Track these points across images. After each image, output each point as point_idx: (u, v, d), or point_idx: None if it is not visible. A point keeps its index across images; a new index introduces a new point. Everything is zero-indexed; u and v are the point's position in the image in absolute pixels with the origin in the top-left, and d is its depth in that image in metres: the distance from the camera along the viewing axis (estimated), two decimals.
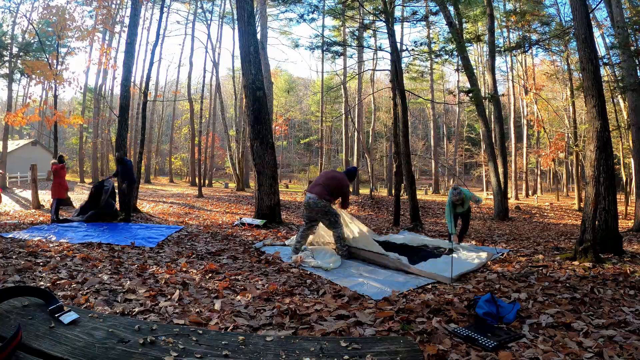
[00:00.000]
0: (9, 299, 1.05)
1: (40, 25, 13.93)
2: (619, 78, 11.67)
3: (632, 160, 12.59)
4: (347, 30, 22.65)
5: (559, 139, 22.29)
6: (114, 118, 17.13)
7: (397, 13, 18.19)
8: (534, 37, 16.49)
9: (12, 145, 29.14)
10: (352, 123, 27.70)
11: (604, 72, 14.49)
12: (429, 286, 3.80)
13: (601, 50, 15.57)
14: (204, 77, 26.96)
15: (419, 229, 8.92)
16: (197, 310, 2.82)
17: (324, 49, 13.70)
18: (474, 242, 6.61)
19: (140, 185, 15.27)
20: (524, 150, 27.97)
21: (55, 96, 12.47)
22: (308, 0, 14.74)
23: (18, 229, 6.33)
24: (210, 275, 3.93)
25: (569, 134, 21.41)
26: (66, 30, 12.25)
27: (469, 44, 15.75)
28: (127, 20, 13.33)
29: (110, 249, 4.94)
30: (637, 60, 10.08)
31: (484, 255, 4.90)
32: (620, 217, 12.43)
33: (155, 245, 5.38)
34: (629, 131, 11.71)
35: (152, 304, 2.88)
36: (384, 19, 11.40)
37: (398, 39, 18.23)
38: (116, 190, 8.31)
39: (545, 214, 17.09)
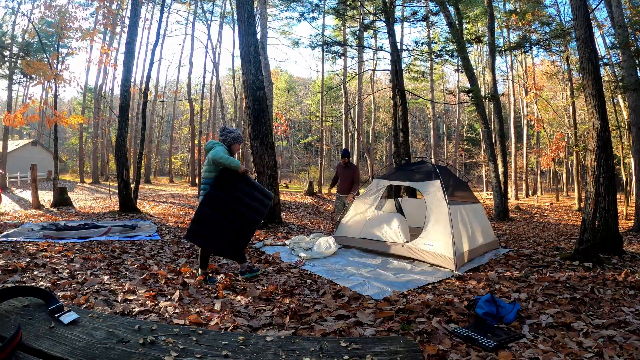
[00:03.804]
0: (9, 299, 1.05)
1: (40, 25, 13.93)
2: (619, 78, 11.66)
3: (632, 160, 12.58)
4: (347, 30, 22.67)
5: (559, 139, 22.28)
6: (114, 118, 17.14)
7: (398, 13, 18.17)
8: (534, 37, 16.50)
9: (12, 145, 29.16)
10: (352, 123, 27.70)
11: (604, 72, 14.48)
12: (429, 286, 3.81)
13: (601, 50, 15.57)
14: (204, 77, 27.02)
15: None
16: (197, 310, 2.82)
17: (325, 48, 13.71)
18: None
19: (140, 186, 15.29)
20: (524, 150, 27.95)
21: (56, 96, 12.46)
22: (309, 0, 14.75)
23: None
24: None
25: (569, 134, 21.40)
26: (67, 30, 12.25)
27: (469, 44, 15.73)
28: (127, 21, 13.34)
29: (111, 250, 4.94)
30: (637, 60, 10.07)
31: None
32: (620, 217, 12.43)
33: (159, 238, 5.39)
34: (629, 131, 11.70)
35: (152, 304, 2.88)
36: (384, 19, 11.41)
37: (398, 39, 18.24)
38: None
39: (545, 214, 17.09)
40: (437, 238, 4.65)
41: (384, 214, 5.63)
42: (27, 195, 16.09)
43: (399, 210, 6.55)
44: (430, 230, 4.78)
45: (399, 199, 7.12)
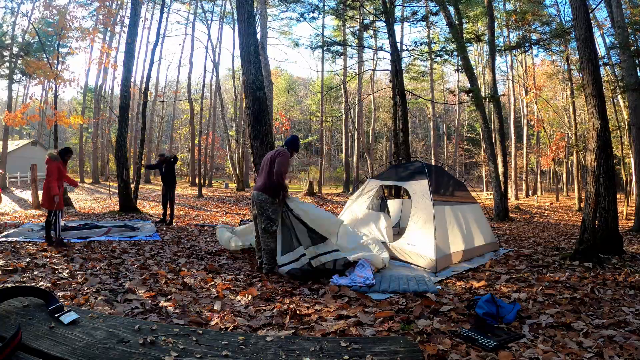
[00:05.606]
0: (9, 299, 1.05)
1: (40, 25, 13.93)
2: (619, 78, 11.66)
3: (632, 160, 12.57)
4: (347, 30, 22.66)
5: (559, 139, 22.26)
6: (114, 118, 17.13)
7: (397, 13, 18.18)
8: (534, 36, 16.48)
9: (12, 145, 29.14)
10: (352, 123, 27.70)
11: (604, 72, 14.46)
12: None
13: (601, 50, 15.55)
14: (204, 77, 27.01)
15: None
16: (197, 310, 2.82)
17: (325, 48, 13.73)
18: None
19: (140, 186, 15.28)
20: (524, 150, 27.94)
21: (56, 96, 12.47)
22: (309, 0, 14.76)
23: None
24: (210, 275, 3.93)
25: (569, 134, 21.40)
26: (67, 30, 12.25)
27: (469, 44, 15.73)
28: (127, 21, 13.33)
29: (111, 250, 4.94)
30: (637, 60, 10.06)
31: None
32: (620, 217, 12.39)
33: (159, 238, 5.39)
34: (629, 131, 11.69)
35: (152, 304, 2.88)
36: (384, 19, 11.41)
37: (398, 39, 18.27)
38: None
39: (545, 214, 17.08)
40: (419, 238, 4.57)
41: (373, 214, 5.63)
42: (27, 195, 16.08)
43: (387, 210, 6.57)
44: (413, 230, 4.70)
45: (387, 199, 7.11)
